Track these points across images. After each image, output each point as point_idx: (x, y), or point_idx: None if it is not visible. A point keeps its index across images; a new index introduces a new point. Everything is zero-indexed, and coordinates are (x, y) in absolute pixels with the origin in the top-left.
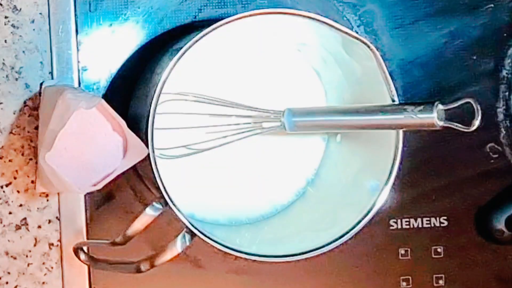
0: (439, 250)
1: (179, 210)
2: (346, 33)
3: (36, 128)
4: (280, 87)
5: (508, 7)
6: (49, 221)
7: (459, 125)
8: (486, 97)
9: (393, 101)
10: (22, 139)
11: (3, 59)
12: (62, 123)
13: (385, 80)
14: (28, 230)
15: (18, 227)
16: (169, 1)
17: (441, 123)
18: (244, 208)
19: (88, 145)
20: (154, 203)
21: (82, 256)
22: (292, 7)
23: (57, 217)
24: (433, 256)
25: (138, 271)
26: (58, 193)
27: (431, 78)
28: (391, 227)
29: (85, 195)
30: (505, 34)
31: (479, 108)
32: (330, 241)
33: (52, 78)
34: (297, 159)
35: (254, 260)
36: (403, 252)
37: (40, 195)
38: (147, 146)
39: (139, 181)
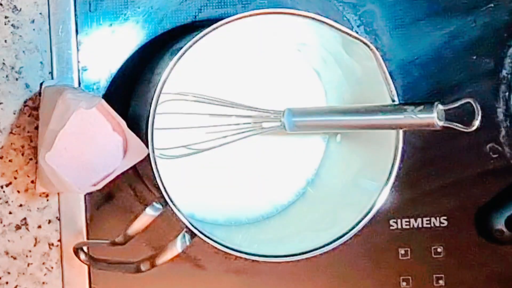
0: (439, 250)
1: (179, 210)
2: (346, 33)
3: (36, 128)
4: (280, 87)
5: (508, 7)
6: (49, 221)
7: (459, 125)
8: (486, 97)
9: (393, 101)
10: (22, 139)
11: (3, 59)
12: (62, 123)
13: (385, 80)
14: (28, 230)
15: (18, 227)
16: (169, 1)
17: (441, 123)
18: (244, 208)
19: (88, 145)
20: (154, 203)
21: (82, 256)
22: (292, 7)
23: (57, 217)
24: (433, 256)
25: (138, 271)
26: (58, 193)
27: (431, 78)
28: (391, 227)
29: (85, 195)
30: (505, 34)
31: (479, 108)
32: (330, 241)
33: (52, 78)
34: (297, 159)
35: (254, 260)
36: (403, 252)
37: (40, 195)
38: (147, 146)
39: (139, 181)
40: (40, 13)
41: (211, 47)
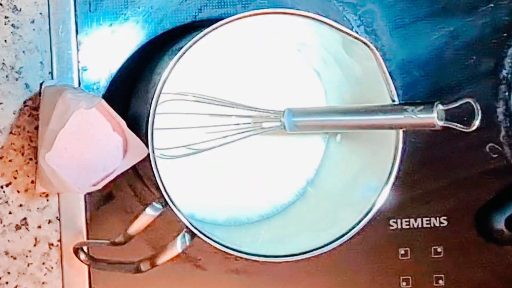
0: (439, 250)
1: (179, 210)
2: (346, 33)
3: (36, 128)
4: (280, 87)
5: (508, 7)
6: (49, 221)
7: (459, 125)
8: (486, 97)
9: (393, 101)
10: (22, 139)
11: (3, 59)
12: (62, 123)
13: (385, 80)
14: (28, 230)
15: (18, 227)
16: (169, 1)
17: (441, 123)
18: (244, 208)
19: (88, 145)
20: (154, 203)
21: (82, 256)
22: (292, 7)
23: (57, 217)
24: (433, 256)
25: (138, 271)
26: (58, 193)
27: (431, 78)
28: (391, 227)
29: (85, 195)
30: (505, 34)
31: (479, 108)
32: (330, 241)
33: (52, 78)
34: (297, 159)
35: (254, 260)
36: (403, 252)
37: (40, 195)
38: (147, 146)
39: (139, 181)
40: (40, 13)
41: (211, 47)
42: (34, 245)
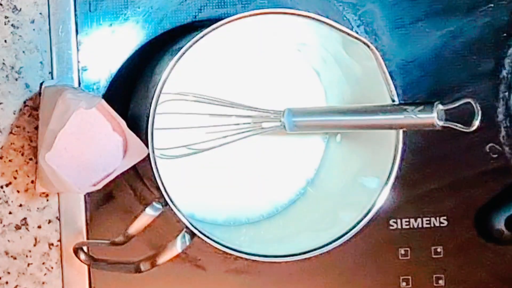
0: (439, 250)
1: (179, 210)
2: (346, 33)
3: (36, 128)
4: (280, 87)
5: (508, 7)
6: (49, 221)
7: (459, 125)
8: (486, 97)
9: (393, 101)
10: (22, 139)
11: (3, 59)
12: (62, 123)
13: (385, 80)
14: (28, 230)
15: (18, 227)
16: (169, 1)
17: (441, 123)
18: (244, 208)
19: (88, 145)
20: (154, 203)
21: (82, 256)
22: (292, 7)
23: (57, 217)
24: (433, 256)
25: (138, 271)
26: (58, 193)
27: (431, 78)
28: (391, 227)
29: (85, 195)
30: (505, 34)
31: (479, 108)
32: (330, 241)
33: (52, 78)
34: (297, 159)
35: (254, 260)
36: (403, 252)
37: (40, 195)
38: (147, 146)
39: (139, 181)
40: (40, 13)
41: (211, 47)
42: (34, 245)
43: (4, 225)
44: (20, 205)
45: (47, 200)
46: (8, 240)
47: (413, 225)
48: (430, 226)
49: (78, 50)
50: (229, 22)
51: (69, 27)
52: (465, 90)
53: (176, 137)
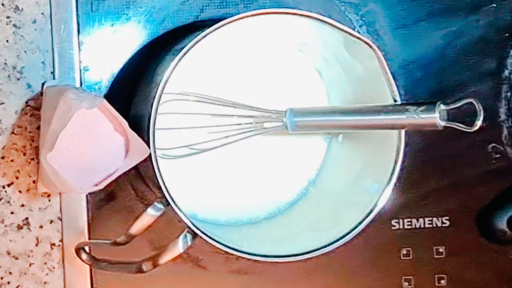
0: (441, 250)
1: (180, 210)
2: (348, 33)
3: (38, 128)
4: (282, 87)
5: (510, 7)
6: (51, 221)
7: (461, 125)
8: (488, 97)
9: (395, 101)
10: (24, 139)
11: (5, 59)
12: (64, 123)
13: (387, 80)
14: (29, 230)
15: (19, 227)
16: (171, 1)
17: (443, 123)
18: (245, 208)
19: (90, 145)
20: (155, 203)
21: (84, 256)
22: (294, 7)
23: (58, 217)
24: (435, 256)
25: (140, 271)
26: (60, 193)
27: (433, 78)
28: (393, 227)
29: (86, 195)
30: (507, 34)
31: (481, 108)
32: (331, 241)
33: (54, 78)
34: (298, 159)
35: (256, 260)
36: (405, 252)
37: (41, 195)
38: (149, 146)
39: (140, 181)
40: (42, 13)
41: (213, 47)
42: (36, 245)
43: (6, 225)
44: (22, 205)
45: (49, 200)
46: (10, 240)
47: (415, 225)
48: (432, 226)
49: (80, 50)
50: (231, 22)
51: (71, 27)
52: (467, 90)
53: (178, 137)
